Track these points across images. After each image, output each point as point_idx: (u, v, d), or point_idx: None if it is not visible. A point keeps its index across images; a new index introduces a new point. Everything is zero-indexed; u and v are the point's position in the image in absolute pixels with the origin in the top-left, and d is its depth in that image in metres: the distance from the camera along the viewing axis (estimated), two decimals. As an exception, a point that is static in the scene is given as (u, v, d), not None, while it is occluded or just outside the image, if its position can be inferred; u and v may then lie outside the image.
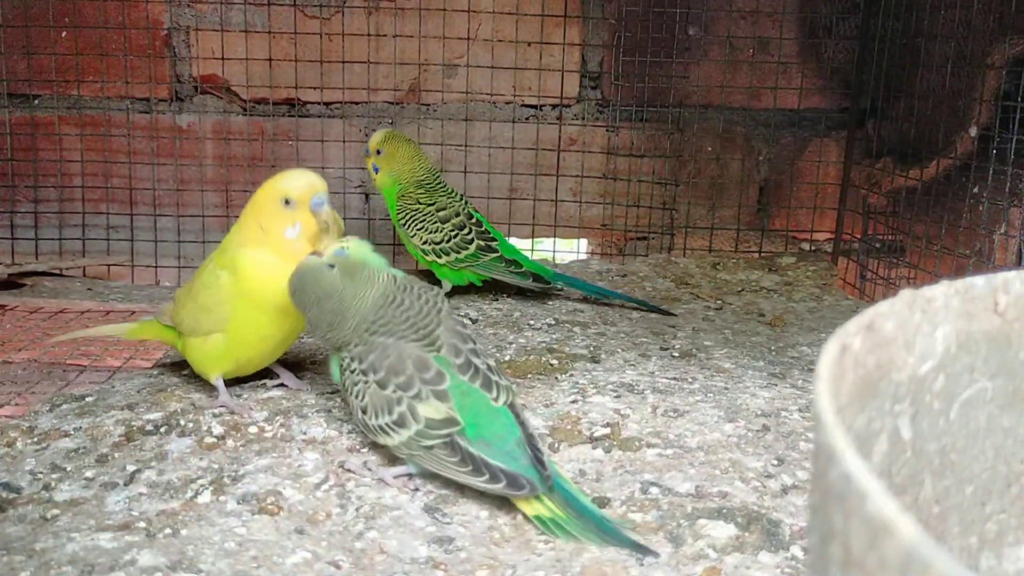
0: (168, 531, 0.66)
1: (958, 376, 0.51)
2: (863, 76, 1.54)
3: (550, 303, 1.34)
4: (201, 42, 1.52)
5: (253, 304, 0.86)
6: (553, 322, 1.23)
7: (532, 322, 1.23)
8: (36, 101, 1.52)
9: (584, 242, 1.64)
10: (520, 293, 1.39)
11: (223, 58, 1.52)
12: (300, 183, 0.84)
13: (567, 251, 1.62)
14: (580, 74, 1.58)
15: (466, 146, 1.57)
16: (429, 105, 1.58)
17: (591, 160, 1.60)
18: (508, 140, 1.58)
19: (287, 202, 0.84)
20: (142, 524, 0.67)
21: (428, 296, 0.79)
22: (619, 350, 1.10)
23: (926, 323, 0.48)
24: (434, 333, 0.76)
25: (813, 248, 1.63)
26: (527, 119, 1.59)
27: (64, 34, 1.50)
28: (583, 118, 1.59)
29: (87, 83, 1.52)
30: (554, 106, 1.59)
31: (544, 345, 1.11)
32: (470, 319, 1.24)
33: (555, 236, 1.61)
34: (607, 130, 1.59)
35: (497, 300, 1.35)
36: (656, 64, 1.56)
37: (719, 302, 1.37)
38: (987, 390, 0.52)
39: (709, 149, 1.61)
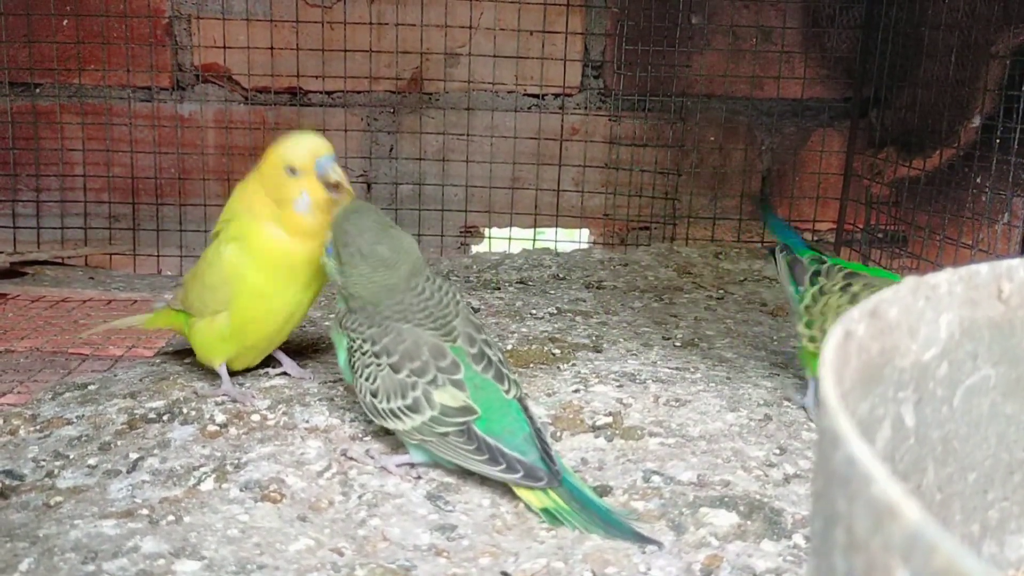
0: (171, 518, 0.66)
1: (961, 363, 0.51)
2: (866, 65, 1.53)
3: (552, 292, 1.34)
4: (203, 31, 1.52)
5: (262, 273, 0.84)
6: (555, 311, 1.23)
7: (534, 311, 1.23)
8: (38, 90, 1.52)
9: (586, 232, 1.64)
10: (522, 282, 1.39)
11: (225, 47, 1.52)
12: (301, 148, 0.79)
13: (569, 241, 1.61)
14: (583, 63, 1.58)
15: (468, 135, 1.57)
16: (431, 94, 1.57)
17: (593, 150, 1.59)
18: (510, 129, 1.58)
19: (292, 171, 0.80)
20: (145, 511, 0.67)
21: (446, 287, 0.79)
22: (621, 339, 1.10)
23: (930, 310, 0.48)
24: (451, 323, 0.76)
25: (816, 238, 1.62)
26: (529, 108, 1.58)
27: (65, 22, 1.50)
28: (585, 107, 1.59)
29: (88, 72, 1.51)
30: (556, 95, 1.58)
31: (546, 334, 1.11)
32: (471, 308, 1.24)
33: (557, 226, 1.61)
34: (609, 119, 1.59)
35: (499, 289, 1.35)
36: (659, 53, 1.55)
37: (721, 292, 1.37)
38: (990, 377, 0.52)
39: (712, 139, 1.61)
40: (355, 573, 0.60)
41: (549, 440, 0.71)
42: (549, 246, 1.59)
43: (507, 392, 0.73)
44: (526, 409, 0.73)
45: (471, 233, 1.62)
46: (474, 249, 1.61)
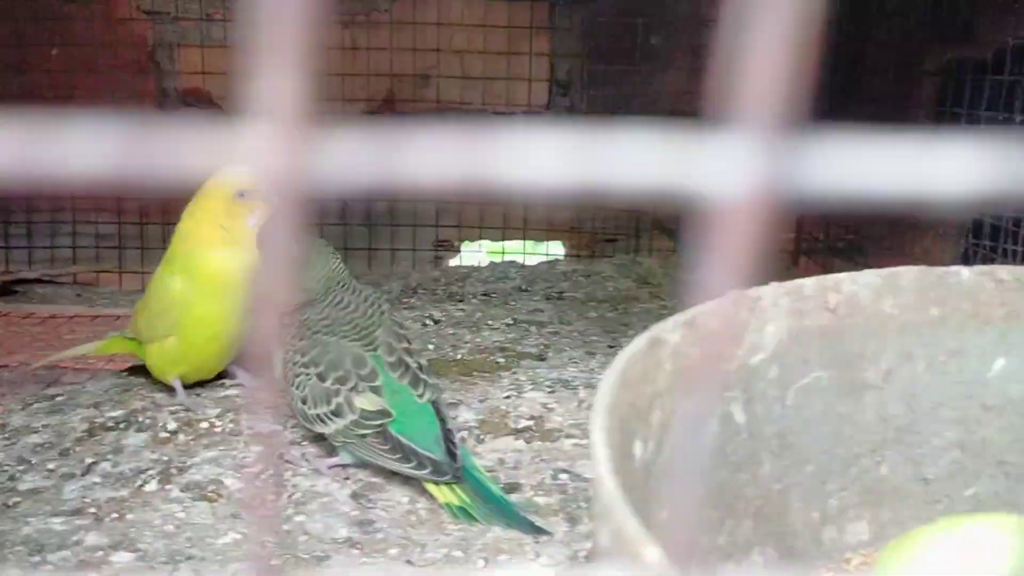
0: (115, 515, 0.72)
1: (792, 366, 0.56)
2: (820, 82, 1.59)
3: (513, 304, 1.40)
4: (184, 57, 1.60)
5: (208, 299, 0.92)
6: (512, 322, 1.29)
7: (491, 322, 1.29)
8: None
9: (556, 244, 1.70)
10: (486, 295, 1.46)
11: (204, 72, 1.59)
12: (248, 176, 0.88)
13: (539, 254, 1.67)
14: (549, 82, 1.64)
15: (439, 154, 1.64)
16: (403, 114, 1.64)
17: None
18: (479, 147, 1.64)
19: (241, 195, 0.90)
20: (92, 509, 0.74)
21: (371, 298, 0.86)
22: (567, 348, 1.16)
23: (755, 320, 0.54)
24: (373, 333, 0.83)
25: (777, 248, 1.68)
26: (497, 127, 1.65)
27: (55, 52, 1.58)
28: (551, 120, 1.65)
29: (77, 98, 1.59)
30: (524, 114, 1.65)
31: (497, 344, 1.17)
32: (433, 320, 1.31)
33: (525, 239, 1.67)
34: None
35: (463, 301, 1.41)
36: (622, 72, 1.61)
37: (676, 301, 1.43)
38: (822, 379, 0.57)
39: (675, 153, 1.66)
40: (271, 562, 0.66)
41: (457, 440, 0.77)
42: (518, 258, 1.65)
43: (420, 396, 0.79)
44: (439, 411, 0.79)
45: (444, 247, 1.69)
46: (448, 263, 1.68)
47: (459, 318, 1.32)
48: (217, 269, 0.92)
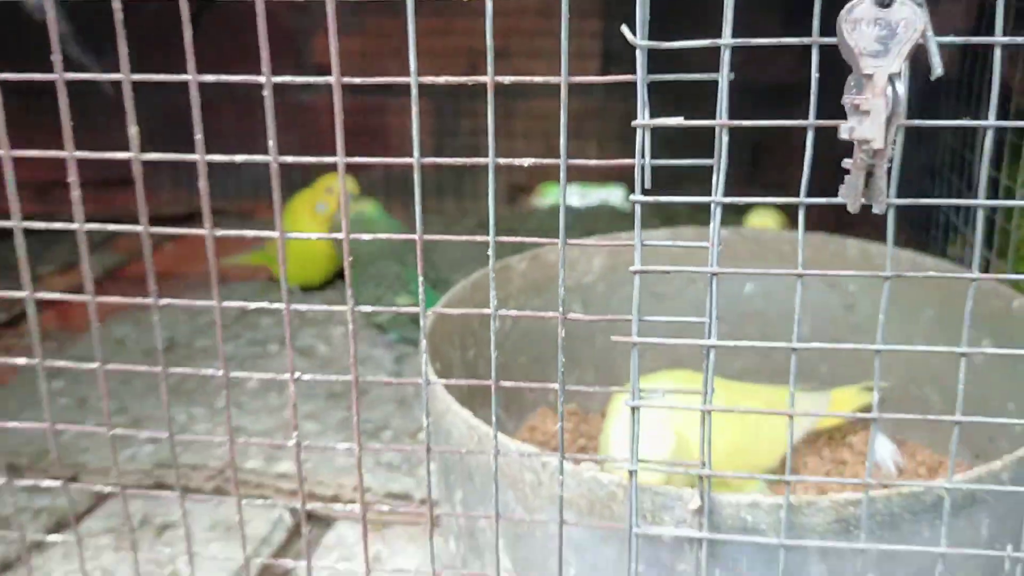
0: (250, 364, 1.21)
1: (613, 284, 0.96)
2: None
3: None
4: (316, 40, 2.07)
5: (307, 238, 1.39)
6: (547, 253, 1.70)
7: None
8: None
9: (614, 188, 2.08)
10: (542, 232, 1.87)
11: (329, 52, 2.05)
12: (340, 183, 1.35)
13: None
14: (601, 57, 2.02)
15: (511, 115, 2.05)
16: (484, 85, 2.05)
17: (612, 125, 2.03)
18: (544, 111, 2.04)
19: (329, 190, 1.37)
20: (242, 358, 1.22)
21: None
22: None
23: (584, 256, 0.94)
24: (407, 258, 1.27)
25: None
26: (559, 94, 2.03)
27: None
28: (605, 93, 2.03)
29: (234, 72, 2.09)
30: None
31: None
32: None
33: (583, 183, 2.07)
34: (624, 102, 2.03)
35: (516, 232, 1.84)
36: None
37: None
38: (634, 291, 0.97)
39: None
40: (330, 377, 1.13)
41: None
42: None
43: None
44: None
45: (518, 190, 2.11)
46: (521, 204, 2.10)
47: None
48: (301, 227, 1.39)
